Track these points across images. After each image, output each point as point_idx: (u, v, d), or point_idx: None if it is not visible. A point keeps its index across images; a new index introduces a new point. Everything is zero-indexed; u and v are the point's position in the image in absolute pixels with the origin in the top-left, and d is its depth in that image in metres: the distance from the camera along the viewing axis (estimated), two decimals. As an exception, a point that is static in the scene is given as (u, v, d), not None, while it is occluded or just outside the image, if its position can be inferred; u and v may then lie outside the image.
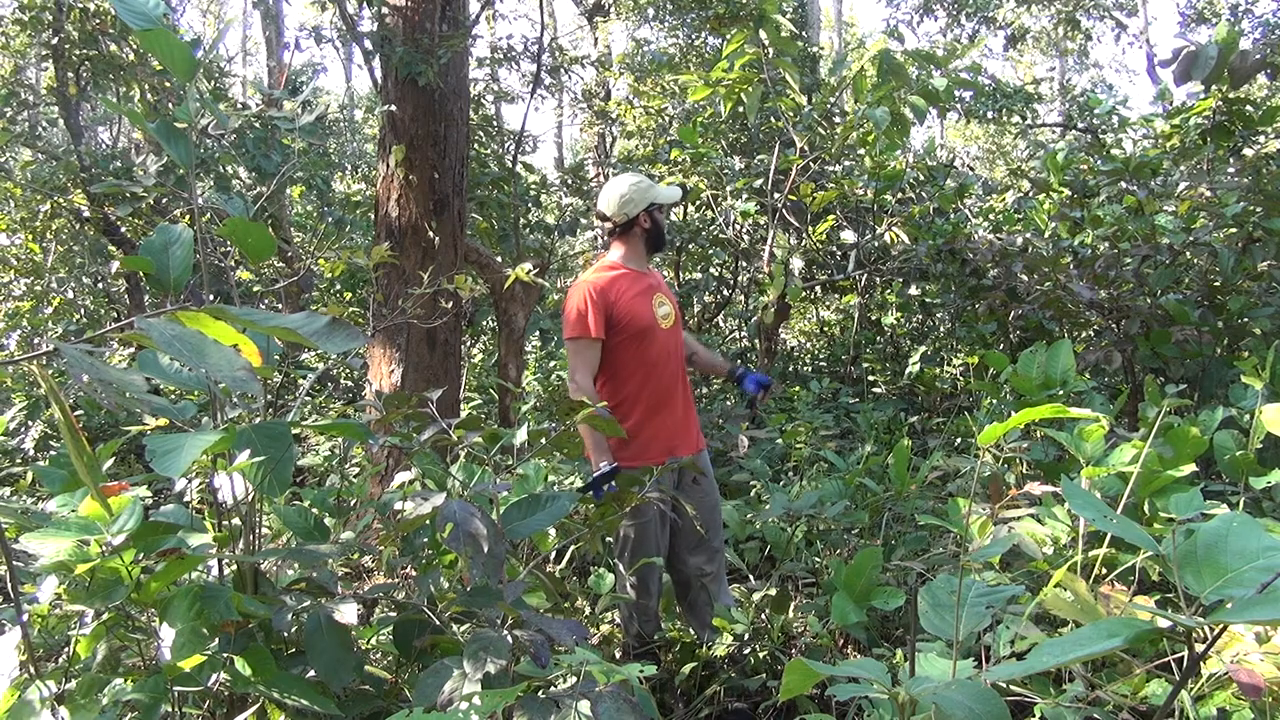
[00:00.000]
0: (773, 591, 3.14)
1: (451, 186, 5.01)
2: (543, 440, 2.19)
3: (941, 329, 7.11)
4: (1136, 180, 5.17)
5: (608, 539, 3.76)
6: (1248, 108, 5.08)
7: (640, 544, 3.04)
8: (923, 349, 6.53)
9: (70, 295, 8.07)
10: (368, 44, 4.96)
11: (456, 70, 5.02)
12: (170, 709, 1.71)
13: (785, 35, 5.28)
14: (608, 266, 3.16)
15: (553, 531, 2.95)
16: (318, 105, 6.83)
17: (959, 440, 5.27)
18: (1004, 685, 1.86)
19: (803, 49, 9.30)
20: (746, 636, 2.97)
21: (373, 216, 5.50)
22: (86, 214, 6.56)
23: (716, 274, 7.88)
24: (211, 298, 1.92)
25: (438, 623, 1.99)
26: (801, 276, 6.10)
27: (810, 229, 6.64)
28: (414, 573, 2.42)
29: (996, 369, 3.99)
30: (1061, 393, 3.48)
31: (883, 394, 6.78)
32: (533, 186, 7.48)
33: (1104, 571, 2.51)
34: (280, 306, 7.32)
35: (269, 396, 1.93)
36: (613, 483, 2.82)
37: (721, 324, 8.41)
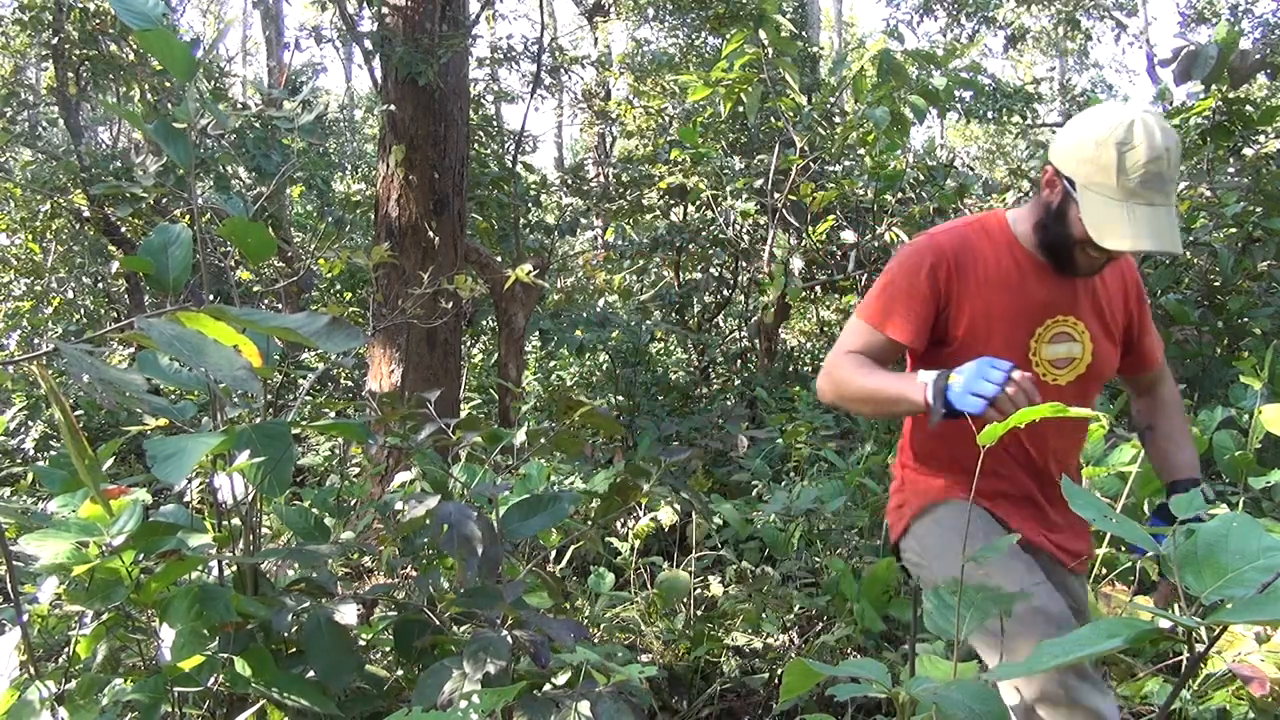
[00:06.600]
0: (773, 591, 3.14)
1: (451, 186, 5.01)
2: (542, 440, 2.19)
3: (941, 329, 7.09)
4: (1136, 180, 5.16)
5: (607, 538, 3.76)
6: (1248, 108, 5.08)
7: (1018, 627, 1.57)
8: (923, 349, 6.51)
9: (70, 295, 8.07)
10: (368, 44, 4.96)
11: (456, 70, 5.02)
12: (170, 709, 1.71)
13: (785, 35, 5.28)
14: (983, 228, 1.77)
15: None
16: (318, 105, 6.82)
17: (959, 440, 5.27)
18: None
19: (803, 49, 9.29)
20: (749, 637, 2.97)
21: (373, 216, 5.50)
22: (86, 214, 6.56)
23: (716, 274, 7.87)
24: (211, 298, 1.92)
25: (438, 623, 1.99)
26: (801, 276, 6.10)
27: (810, 229, 6.63)
28: (414, 573, 2.42)
29: (996, 369, 3.98)
30: (1061, 393, 3.48)
31: (883, 394, 6.77)
32: (533, 186, 7.47)
33: (1104, 571, 2.51)
34: (280, 306, 7.31)
35: (269, 396, 1.93)
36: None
37: (721, 324, 8.41)
